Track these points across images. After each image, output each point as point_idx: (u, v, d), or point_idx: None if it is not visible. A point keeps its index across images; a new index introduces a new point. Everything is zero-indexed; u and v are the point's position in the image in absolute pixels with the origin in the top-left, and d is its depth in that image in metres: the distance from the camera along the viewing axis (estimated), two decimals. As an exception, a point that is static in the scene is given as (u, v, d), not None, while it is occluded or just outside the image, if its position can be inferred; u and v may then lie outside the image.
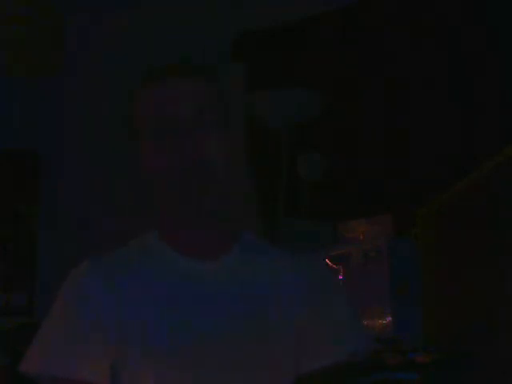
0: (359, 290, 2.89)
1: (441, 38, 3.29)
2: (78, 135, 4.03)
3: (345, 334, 1.33)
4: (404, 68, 3.38)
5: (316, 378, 1.29)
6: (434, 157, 3.24)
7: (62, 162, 4.05)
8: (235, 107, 1.40)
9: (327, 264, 2.86)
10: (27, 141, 4.07)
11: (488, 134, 3.01)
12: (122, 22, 3.95)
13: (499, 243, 2.19)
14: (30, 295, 3.99)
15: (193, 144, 1.26)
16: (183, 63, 1.35)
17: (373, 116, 3.48)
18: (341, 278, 2.99)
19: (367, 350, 1.34)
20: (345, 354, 1.31)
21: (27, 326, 3.50)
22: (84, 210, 3.88)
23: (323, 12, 3.58)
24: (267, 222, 3.54)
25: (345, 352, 1.31)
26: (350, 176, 3.54)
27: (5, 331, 3.45)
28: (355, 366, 1.32)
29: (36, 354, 1.29)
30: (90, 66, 4.02)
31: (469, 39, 3.16)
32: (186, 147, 1.26)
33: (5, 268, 4.05)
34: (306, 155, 3.53)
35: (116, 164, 3.82)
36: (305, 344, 1.31)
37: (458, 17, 3.20)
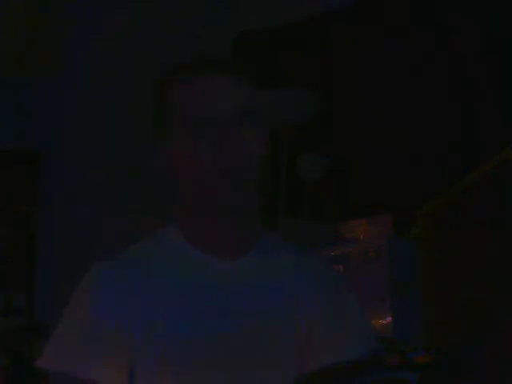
0: (359, 290, 2.89)
1: (441, 38, 3.29)
2: (77, 135, 4.03)
3: (358, 333, 1.35)
4: (404, 68, 3.38)
5: (316, 377, 1.29)
6: (434, 157, 3.24)
7: (62, 162, 4.05)
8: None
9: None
10: (27, 141, 4.07)
11: (488, 135, 3.01)
12: (122, 22, 3.94)
13: (499, 243, 2.19)
14: (30, 295, 3.99)
15: (234, 143, 1.26)
16: (222, 60, 1.33)
17: (373, 116, 3.48)
18: (341, 278, 2.99)
19: (371, 349, 1.35)
20: (357, 353, 1.32)
21: (27, 327, 3.51)
22: (84, 210, 3.88)
23: (323, 12, 3.58)
24: (267, 222, 3.53)
25: (358, 351, 1.32)
26: (350, 176, 3.54)
27: (4, 331, 3.45)
28: (355, 366, 1.32)
29: (51, 351, 1.29)
30: (90, 66, 4.02)
31: (469, 39, 3.16)
32: (227, 146, 1.26)
33: (5, 268, 4.05)
34: (305, 155, 3.53)
35: (116, 164, 3.83)
36: (317, 343, 1.31)
37: (458, 16, 3.20)
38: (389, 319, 2.87)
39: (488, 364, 2.17)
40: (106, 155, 3.85)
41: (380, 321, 2.88)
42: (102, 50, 4.00)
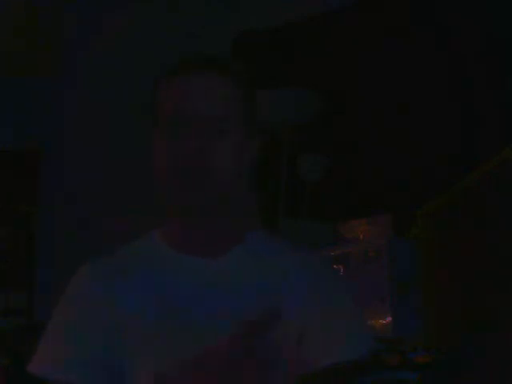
0: (359, 290, 2.89)
1: (441, 38, 3.29)
2: (77, 135, 4.03)
3: (357, 333, 1.34)
4: (404, 68, 3.38)
5: (316, 378, 1.29)
6: (434, 157, 3.24)
7: (62, 162, 4.05)
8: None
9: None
10: (27, 141, 4.07)
11: (488, 135, 3.01)
12: (122, 22, 3.95)
13: (499, 243, 2.19)
14: (30, 295, 3.99)
15: (199, 146, 1.26)
16: (211, 59, 1.32)
17: (373, 116, 3.49)
18: (341, 278, 2.99)
19: (370, 349, 1.34)
20: (355, 354, 1.31)
21: (26, 327, 3.51)
22: (84, 210, 3.88)
23: (323, 12, 3.58)
24: (267, 222, 3.54)
25: (355, 351, 1.31)
26: (350, 176, 3.54)
27: (4, 331, 3.45)
28: (355, 366, 1.32)
29: (40, 356, 1.30)
30: (90, 66, 4.02)
31: (469, 39, 3.16)
32: (192, 148, 1.26)
33: (5, 268, 4.05)
34: (305, 155, 3.53)
35: (116, 164, 3.83)
36: (315, 343, 1.30)
37: (458, 16, 3.20)
38: (389, 319, 2.87)
39: (488, 364, 2.17)
40: (106, 155, 3.85)
41: (380, 321, 2.88)
42: (101, 50, 4.00)
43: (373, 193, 3.42)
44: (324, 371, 1.29)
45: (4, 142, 3.99)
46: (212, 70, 1.30)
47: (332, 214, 3.48)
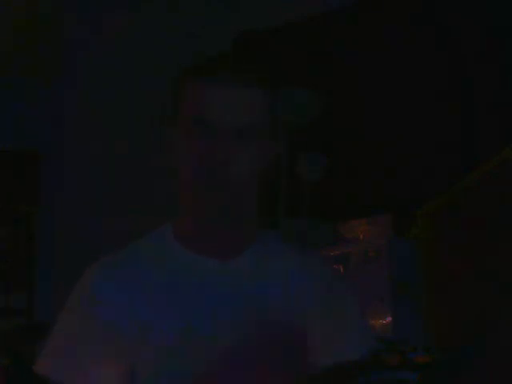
0: (359, 290, 2.89)
1: (441, 38, 3.29)
2: (77, 135, 4.03)
3: (357, 333, 1.35)
4: (404, 68, 3.38)
5: (316, 378, 1.29)
6: (434, 157, 3.24)
7: (62, 162, 4.05)
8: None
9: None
10: (27, 141, 4.07)
11: (488, 135, 3.01)
12: (122, 23, 3.95)
13: (499, 243, 2.19)
14: (30, 295, 3.99)
15: (225, 147, 1.25)
16: (240, 66, 1.31)
17: (373, 116, 3.48)
18: (341, 278, 2.99)
19: (370, 349, 1.35)
20: (358, 354, 1.31)
21: (27, 327, 3.51)
22: (84, 210, 3.89)
23: (323, 12, 3.59)
24: (267, 222, 3.54)
25: (358, 351, 1.32)
26: (350, 176, 3.54)
27: (5, 331, 3.45)
28: (355, 366, 1.33)
29: (48, 357, 1.29)
30: (90, 66, 4.02)
31: (469, 39, 3.16)
32: (218, 149, 1.25)
33: (5, 268, 4.05)
34: (305, 155, 3.53)
35: (116, 164, 3.83)
36: (316, 343, 1.31)
37: (458, 16, 3.20)
38: (389, 319, 2.87)
39: (488, 364, 2.17)
40: (106, 155, 3.85)
41: (380, 321, 2.88)
42: (101, 49, 4.00)
43: (373, 193, 3.42)
44: (324, 371, 1.30)
45: (4, 142, 3.99)
46: (241, 77, 1.28)
47: (332, 214, 3.48)
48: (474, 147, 3.06)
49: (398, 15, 3.42)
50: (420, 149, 3.32)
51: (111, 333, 1.26)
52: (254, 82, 1.29)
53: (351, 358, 1.31)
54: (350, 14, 3.56)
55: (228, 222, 1.30)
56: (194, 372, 1.25)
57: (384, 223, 3.24)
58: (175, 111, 1.32)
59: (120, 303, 1.28)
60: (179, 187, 1.32)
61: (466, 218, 2.49)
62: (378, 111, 3.48)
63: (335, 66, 3.59)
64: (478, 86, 3.15)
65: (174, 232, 1.35)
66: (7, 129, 4.00)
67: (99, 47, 4.01)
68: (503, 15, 3.02)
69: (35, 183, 4.11)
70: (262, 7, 3.68)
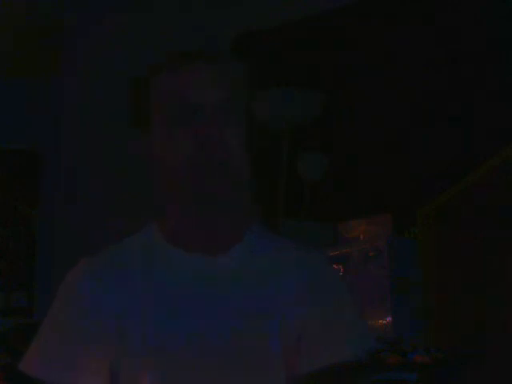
0: (359, 290, 2.89)
1: (441, 38, 3.29)
2: (77, 135, 4.03)
3: (354, 333, 1.33)
4: (404, 67, 3.38)
5: (316, 378, 1.29)
6: (434, 157, 3.24)
7: (62, 162, 4.05)
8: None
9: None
10: (27, 141, 4.07)
11: (488, 135, 3.01)
12: (122, 22, 3.94)
13: (499, 243, 2.19)
14: (30, 295, 3.99)
15: (216, 131, 1.25)
16: (209, 49, 1.33)
17: (373, 116, 3.49)
18: (341, 278, 2.99)
19: (370, 350, 1.34)
20: (353, 354, 1.30)
21: (27, 326, 3.50)
22: (84, 210, 3.88)
23: (323, 12, 3.58)
24: (267, 223, 3.54)
25: (354, 352, 1.30)
26: (350, 176, 3.54)
27: (5, 331, 3.45)
28: (355, 366, 1.32)
29: (33, 357, 1.29)
30: (90, 66, 4.02)
31: (469, 39, 3.17)
32: (210, 134, 1.25)
33: (5, 268, 4.06)
34: (305, 155, 3.53)
35: (115, 163, 3.83)
36: (314, 343, 1.30)
37: (458, 17, 3.20)
38: (389, 319, 2.87)
39: (488, 364, 2.17)
40: (106, 155, 3.85)
41: (380, 321, 2.88)
42: (101, 50, 4.00)
43: (373, 193, 3.42)
44: (324, 371, 1.29)
45: (4, 142, 3.99)
46: (210, 59, 1.29)
47: (332, 214, 3.48)
48: (473, 147, 3.06)
49: (398, 14, 3.42)
50: (420, 149, 3.32)
51: (97, 332, 1.26)
52: (228, 57, 1.31)
53: (349, 358, 1.30)
54: (350, 14, 3.56)
55: (215, 210, 1.28)
56: (180, 370, 1.24)
57: (384, 223, 3.24)
58: (146, 111, 1.31)
59: (107, 302, 1.27)
60: (161, 182, 1.30)
61: (466, 218, 2.49)
62: (378, 111, 3.48)
63: (335, 66, 3.59)
64: (477, 85, 3.15)
65: (159, 229, 1.34)
66: (7, 129, 4.00)
67: (99, 47, 4.01)
68: (503, 15, 3.02)
69: (35, 183, 4.11)
70: (262, 7, 3.67)
